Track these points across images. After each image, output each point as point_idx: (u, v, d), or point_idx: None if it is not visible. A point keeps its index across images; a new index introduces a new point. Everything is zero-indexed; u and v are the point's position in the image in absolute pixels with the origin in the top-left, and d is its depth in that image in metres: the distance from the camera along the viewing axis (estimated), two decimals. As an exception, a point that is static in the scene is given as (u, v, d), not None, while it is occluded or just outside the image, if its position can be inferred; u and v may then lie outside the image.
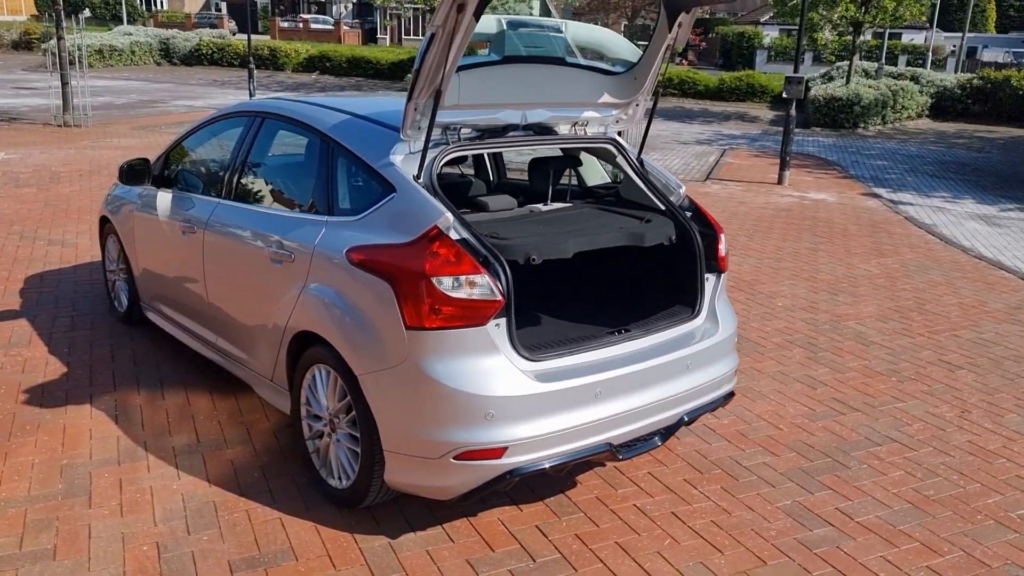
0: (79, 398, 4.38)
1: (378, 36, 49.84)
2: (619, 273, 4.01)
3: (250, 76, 19.49)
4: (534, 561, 3.15)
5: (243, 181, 4.09)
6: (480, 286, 2.98)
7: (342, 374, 3.25)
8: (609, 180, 4.37)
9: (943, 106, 23.39)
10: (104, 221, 5.57)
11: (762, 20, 45.13)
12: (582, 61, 3.77)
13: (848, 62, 22.27)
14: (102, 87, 23.37)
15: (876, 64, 25.44)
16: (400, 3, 24.11)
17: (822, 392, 4.83)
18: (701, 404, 3.57)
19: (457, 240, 3.03)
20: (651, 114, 3.96)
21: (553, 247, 3.29)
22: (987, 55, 43.99)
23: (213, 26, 47.64)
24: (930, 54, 36.34)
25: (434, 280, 2.94)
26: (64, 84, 15.16)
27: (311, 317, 3.37)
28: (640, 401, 3.29)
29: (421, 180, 3.21)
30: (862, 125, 20.77)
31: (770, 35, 43.05)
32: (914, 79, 23.82)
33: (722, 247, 3.73)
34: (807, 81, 24.80)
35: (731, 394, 3.76)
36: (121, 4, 49.34)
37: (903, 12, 20.22)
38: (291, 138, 4.16)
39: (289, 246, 3.52)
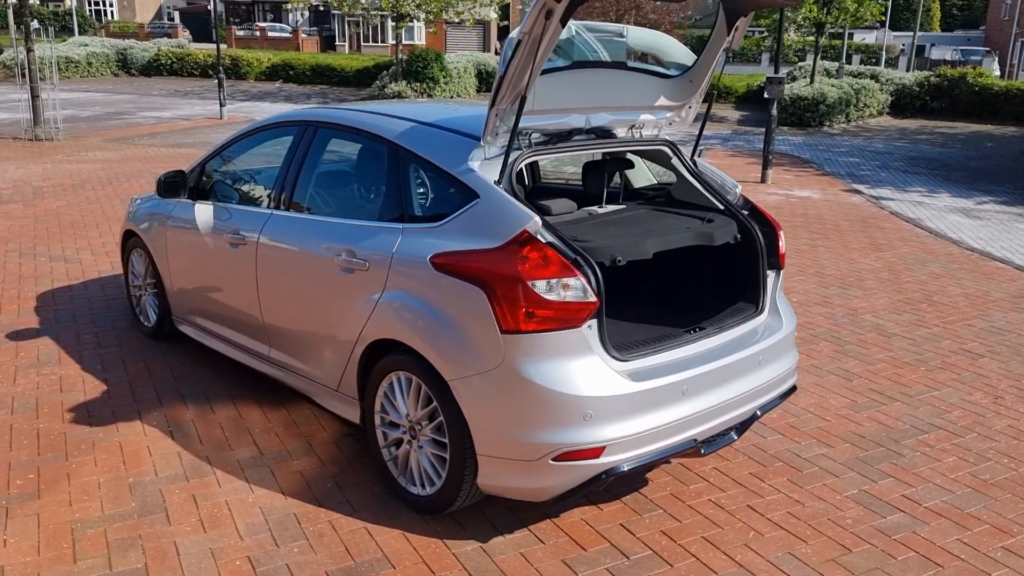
0: (127, 415, 4.31)
1: (337, 43, 49.51)
2: (683, 272, 4.07)
3: (220, 86, 19.23)
4: (628, 558, 3.19)
5: (300, 191, 4.06)
6: (574, 288, 3.01)
7: (428, 380, 3.26)
8: (655, 182, 4.44)
9: (902, 103, 23.99)
10: (128, 236, 5.48)
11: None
12: (642, 65, 3.83)
13: (812, 62, 22.74)
14: (64, 100, 22.82)
15: (836, 64, 26.00)
16: (367, 10, 23.90)
17: (858, 384, 4.95)
18: (771, 398, 3.65)
19: (547, 243, 3.06)
20: (705, 116, 4.03)
21: (635, 248, 3.34)
22: (935, 53, 45.24)
23: (167, 35, 46.92)
24: (884, 53, 37.23)
25: (530, 284, 2.97)
26: (34, 97, 14.81)
27: (391, 324, 3.37)
28: (721, 397, 3.36)
29: (503, 185, 3.24)
30: (827, 123, 21.21)
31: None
32: (874, 77, 24.40)
33: (782, 244, 3.81)
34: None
35: (794, 388, 3.85)
36: (72, 15, 48.28)
37: (863, 12, 20.72)
38: (342, 147, 4.16)
39: (363, 255, 3.51)
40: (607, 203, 4.06)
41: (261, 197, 4.36)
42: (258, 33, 47.42)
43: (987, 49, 44.09)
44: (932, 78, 23.92)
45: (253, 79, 31.34)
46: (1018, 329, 6.07)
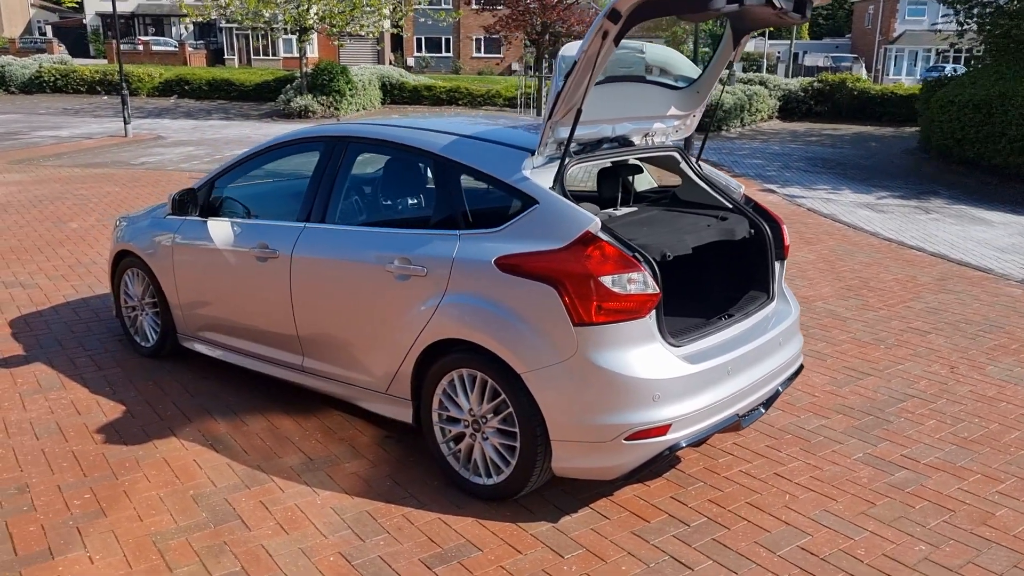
0: (159, 432, 4.34)
1: (225, 57, 48.31)
2: (700, 265, 4.43)
3: (124, 103, 18.60)
4: (688, 526, 3.52)
5: (335, 204, 4.21)
6: (639, 282, 3.32)
7: (495, 375, 3.49)
8: (655, 186, 4.80)
9: (789, 108, 25.51)
10: (121, 256, 5.43)
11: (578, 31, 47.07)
12: (657, 78, 4.18)
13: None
14: (-55, 120, 21.55)
15: (727, 72, 27.34)
16: (268, 23, 23.55)
17: (832, 363, 5.46)
18: (787, 376, 4.06)
19: (608, 242, 3.36)
20: (710, 123, 4.42)
21: (679, 244, 3.69)
22: (808, 60, 48.08)
23: (41, 50, 44.60)
24: (765, 60, 39.36)
25: (601, 279, 3.26)
26: (-70, 118, 13.99)
27: (456, 325, 3.58)
28: (754, 376, 3.74)
29: (557, 191, 3.52)
30: (725, 128, 22.37)
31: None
32: (763, 84, 25.84)
33: (787, 236, 4.24)
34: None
35: (802, 367, 4.27)
36: (-68, 30, 45.23)
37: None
38: (372, 160, 4.34)
39: (420, 261, 3.71)
40: (620, 206, 4.40)
41: (288, 211, 4.47)
42: (141, 48, 45.69)
43: (855, 55, 47.22)
44: (815, 84, 25.55)
45: (145, 95, 30.29)
46: (951, 308, 6.76)
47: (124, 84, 18.56)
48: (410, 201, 4.06)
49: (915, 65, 47.28)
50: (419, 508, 3.64)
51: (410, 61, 48.51)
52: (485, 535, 3.44)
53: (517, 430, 3.48)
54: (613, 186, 4.36)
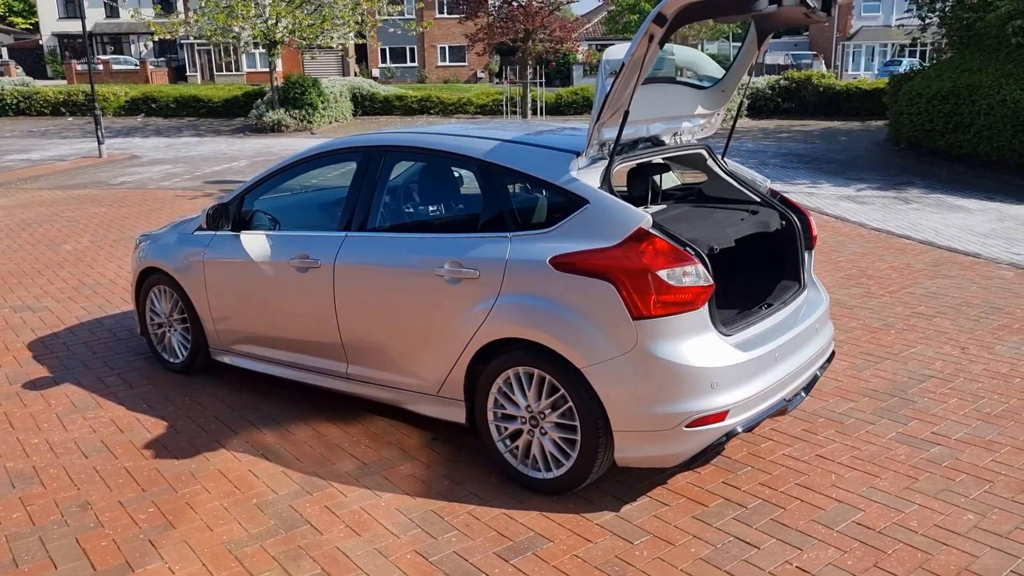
0: (207, 445, 4.38)
1: (188, 74, 47.89)
2: (734, 257, 4.57)
3: (97, 123, 18.41)
4: (745, 508, 3.65)
5: (376, 213, 4.29)
6: (693, 275, 3.45)
7: (554, 371, 3.60)
8: (679, 183, 4.94)
9: (758, 105, 25.96)
10: (146, 274, 5.45)
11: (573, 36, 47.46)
12: (686, 79, 4.32)
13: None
14: (-90, 147, 21.16)
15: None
16: (237, 38, 23.44)
17: (849, 348, 5.65)
18: (823, 362, 4.21)
19: (661, 237, 3.49)
20: (735, 121, 4.58)
21: (723, 237, 3.83)
22: (768, 58, 48.80)
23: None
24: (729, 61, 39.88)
25: (658, 273, 3.38)
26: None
27: (512, 324, 3.68)
28: (798, 361, 3.89)
29: (605, 190, 3.64)
30: (697, 127, 22.66)
31: (581, 50, 45.55)
32: (730, 83, 26.23)
33: (814, 227, 4.40)
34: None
35: (834, 353, 4.43)
36: None
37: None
38: (407, 169, 4.42)
39: (472, 264, 3.81)
40: (650, 204, 4.53)
41: (325, 222, 4.53)
42: (101, 67, 45.11)
43: (814, 53, 48.10)
44: (782, 81, 26.04)
45: (111, 114, 29.91)
46: (949, 292, 7.00)
47: (96, 104, 18.35)
48: (454, 206, 4.15)
49: (872, 60, 48.31)
50: (482, 505, 3.73)
51: (375, 72, 48.48)
52: (552, 527, 3.54)
53: (577, 423, 3.59)
54: (643, 184, 4.48)
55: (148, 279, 5.45)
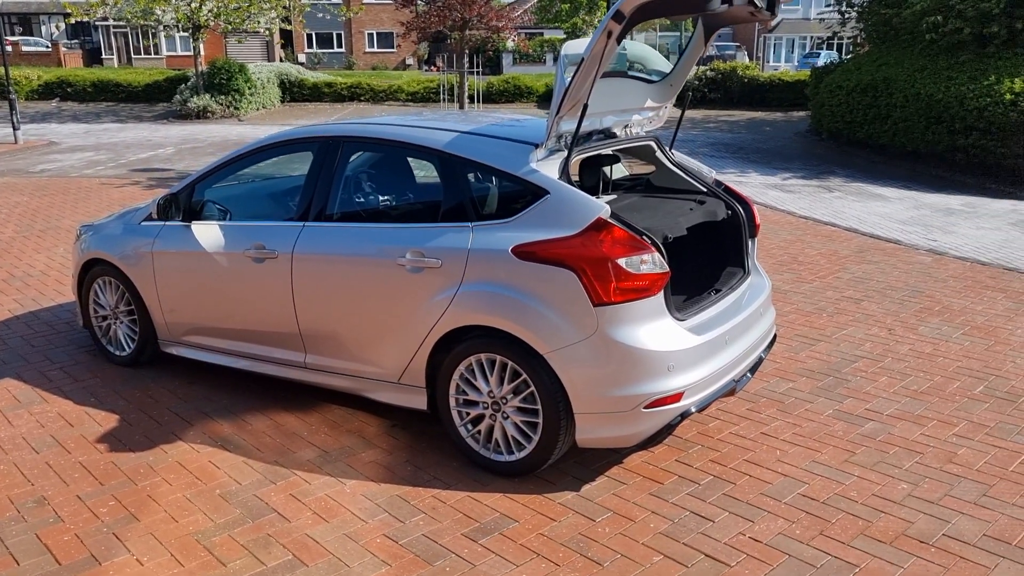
0: (163, 438, 4.34)
1: (104, 57, 46.13)
2: (682, 246, 4.74)
3: (12, 108, 17.65)
4: (698, 484, 3.84)
5: (334, 203, 4.31)
6: (650, 263, 3.60)
7: (515, 357, 3.71)
8: (627, 174, 5.10)
9: (682, 95, 26.42)
10: (90, 265, 5.33)
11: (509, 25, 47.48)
12: (637, 72, 4.47)
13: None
14: None
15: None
16: (159, 21, 22.71)
17: (785, 331, 5.92)
18: (766, 345, 4.43)
19: (620, 226, 3.62)
20: (682, 113, 4.75)
21: (675, 226, 3.99)
22: (694, 49, 49.73)
23: None
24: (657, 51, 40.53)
25: (618, 261, 3.52)
26: None
27: (475, 312, 3.77)
28: (745, 344, 4.09)
29: (564, 181, 3.76)
30: (627, 117, 23.03)
31: (510, 41, 45.58)
32: (659, 73, 26.72)
33: (757, 216, 4.61)
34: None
35: (776, 336, 4.66)
36: None
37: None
38: (369, 159, 4.45)
39: (434, 253, 3.88)
40: (600, 194, 4.67)
41: (282, 211, 4.53)
42: (10, 48, 43.02)
43: (737, 44, 49.24)
44: (708, 72, 26.62)
45: (23, 98, 28.60)
46: (875, 277, 7.38)
47: (11, 89, 17.59)
48: (414, 197, 4.20)
49: (792, 52, 49.77)
50: (446, 489, 3.82)
51: (301, 57, 47.57)
52: (516, 508, 3.66)
53: (539, 407, 3.71)
54: (594, 175, 4.61)
55: (92, 270, 5.34)
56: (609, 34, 3.50)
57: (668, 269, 3.64)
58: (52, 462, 4.10)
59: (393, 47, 48.40)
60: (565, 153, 3.90)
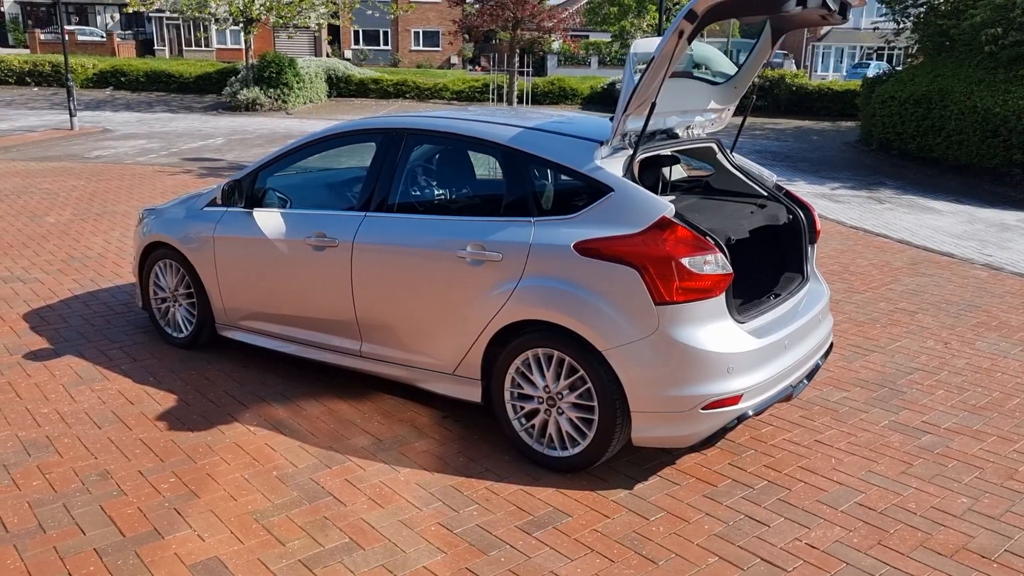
0: (220, 419, 4.42)
1: (156, 48, 46.99)
2: (739, 249, 4.72)
3: (69, 95, 18.08)
4: (753, 488, 3.81)
5: (396, 194, 4.36)
6: (714, 263, 3.59)
7: (573, 352, 3.71)
8: (685, 175, 5.08)
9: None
10: (151, 249, 5.44)
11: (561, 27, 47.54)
12: (702, 74, 4.45)
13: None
14: None
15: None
16: (213, 14, 23.12)
17: (837, 340, 5.85)
18: (823, 352, 4.39)
19: (684, 226, 3.62)
20: (744, 117, 4.72)
21: (737, 228, 3.97)
22: (741, 58, 49.35)
23: (-42, 40, 42.63)
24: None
25: (682, 261, 3.52)
26: None
27: (534, 307, 3.79)
28: (804, 350, 4.05)
29: (629, 179, 3.76)
30: (673, 122, 22.92)
31: (556, 42, 45.63)
32: (705, 79, 26.52)
33: (818, 222, 4.57)
34: (615, 83, 26.86)
35: (832, 344, 4.61)
36: None
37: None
38: (428, 152, 4.49)
39: (495, 247, 3.90)
40: (661, 194, 4.66)
41: (343, 201, 4.58)
42: (67, 37, 44.01)
43: (785, 52, 48.69)
44: (756, 79, 26.34)
45: (79, 86, 29.24)
46: (929, 289, 7.26)
47: (68, 76, 18.01)
48: (475, 190, 4.23)
49: (841, 62, 49.13)
50: (499, 481, 3.84)
51: (348, 53, 48.04)
52: (569, 503, 3.66)
53: (596, 404, 3.71)
54: (653, 175, 4.61)
55: (153, 253, 5.45)
56: (680, 33, 3.50)
57: (731, 271, 3.63)
58: (114, 437, 4.19)
59: (438, 46, 48.67)
60: (629, 151, 3.90)
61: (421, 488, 3.77)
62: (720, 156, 4.66)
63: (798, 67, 46.07)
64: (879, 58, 46.82)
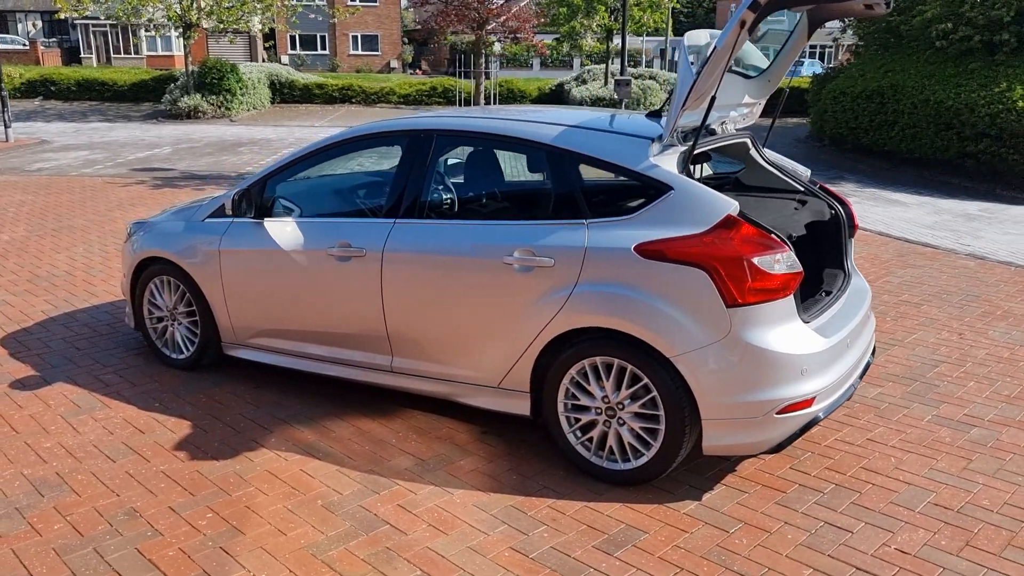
0: (244, 445, 4.12)
1: (82, 56, 45.31)
2: None
3: (3, 105, 17.18)
4: (823, 493, 3.69)
5: (428, 199, 4.12)
6: (785, 262, 3.45)
7: (636, 360, 3.54)
8: (711, 172, 4.96)
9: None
10: (144, 265, 5.08)
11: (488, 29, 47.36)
12: (737, 68, 4.32)
13: (605, 66, 24.53)
14: None
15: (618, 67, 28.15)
16: (151, 20, 22.30)
17: (854, 336, 5.80)
18: (872, 350, 4.30)
19: (751, 224, 3.47)
20: (777, 110, 4.62)
21: (795, 225, 3.85)
22: (678, 55, 50.04)
23: None
24: (644, 56, 40.64)
25: (753, 260, 3.37)
26: None
27: (592, 313, 3.59)
28: (861, 348, 3.96)
29: (686, 176, 3.60)
30: (624, 121, 22.97)
31: (497, 44, 45.44)
32: (653, 79, 26.71)
33: (856, 216, 4.48)
34: (563, 84, 26.88)
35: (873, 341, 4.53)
36: None
37: (647, 21, 22.73)
38: (460, 153, 4.26)
39: (547, 252, 3.70)
40: None
41: (365, 208, 4.33)
42: (-13, 46, 42.13)
43: (721, 51, 49.50)
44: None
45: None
46: (925, 281, 7.31)
47: (2, 85, 17.12)
48: (514, 193, 4.02)
49: (775, 60, 50.00)
50: (560, 498, 3.64)
51: (284, 59, 47.04)
52: (640, 518, 3.48)
53: (662, 413, 3.54)
54: (686, 172, 4.46)
55: (148, 270, 5.08)
56: (742, 24, 3.36)
57: (801, 269, 3.50)
58: (132, 471, 3.86)
59: (378, 50, 48.06)
60: (681, 148, 3.75)
61: (480, 510, 3.54)
62: (753, 151, 4.54)
63: (735, 66, 46.89)
64: (811, 57, 47.97)
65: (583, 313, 3.63)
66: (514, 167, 4.61)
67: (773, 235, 3.48)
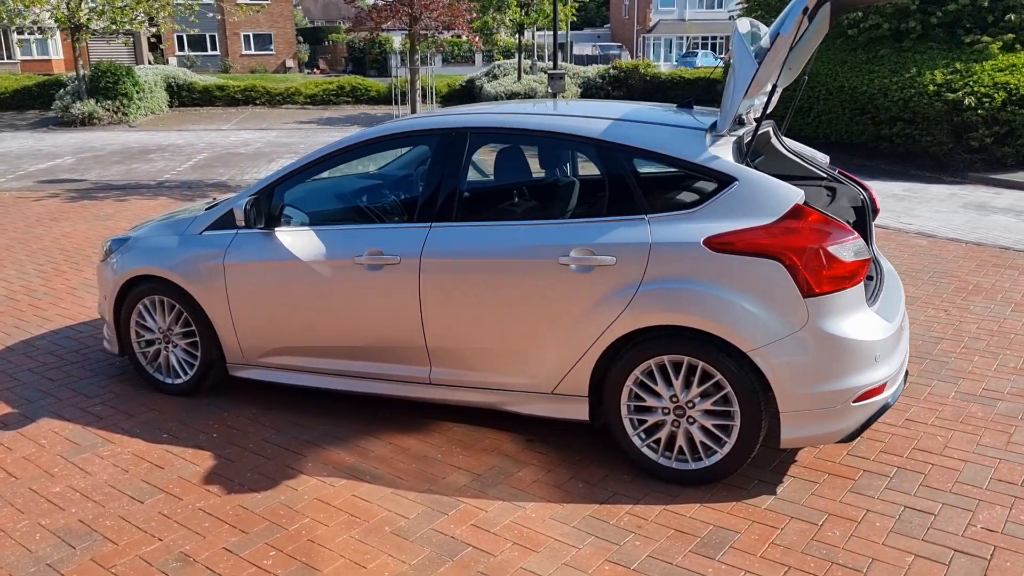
0: (280, 472, 3.83)
1: (-52, 62, 42.10)
2: None
3: None
4: (890, 477, 3.71)
5: (467, 200, 3.92)
6: (856, 249, 3.43)
7: (708, 357, 3.46)
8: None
9: (589, 94, 26.71)
10: (130, 285, 4.66)
11: (385, 27, 46.66)
12: (762, 56, 4.29)
13: (517, 60, 24.51)
14: None
15: (529, 62, 28.19)
16: (36, 22, 20.88)
17: (849, 318, 5.91)
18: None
19: (819, 212, 3.44)
20: (795, 99, 4.62)
21: (846, 212, 3.84)
22: (576, 49, 50.59)
23: None
24: (536, 51, 40.80)
25: (830, 248, 3.34)
26: None
27: (662, 311, 3.49)
28: (906, 333, 3.99)
29: (748, 167, 3.54)
30: (540, 116, 23.03)
31: (397, 40, 44.83)
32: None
33: (877, 199, 4.54)
34: (473, 80, 26.72)
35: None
36: None
37: (561, 15, 22.80)
38: (492, 150, 4.08)
39: (608, 250, 3.57)
40: None
41: (391, 213, 4.09)
42: None
43: (619, 44, 50.43)
44: (611, 70, 26.99)
45: None
46: (891, 260, 7.53)
47: None
48: (561, 190, 3.87)
49: (670, 52, 51.41)
50: (636, 503, 3.53)
51: (172, 61, 45.06)
52: (725, 518, 3.41)
53: (737, 409, 3.47)
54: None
55: (135, 290, 4.67)
56: (805, 10, 3.31)
57: (870, 255, 3.49)
58: (167, 511, 3.52)
59: (272, 50, 46.65)
60: (732, 138, 3.69)
61: (560, 523, 3.39)
62: (774, 140, 4.54)
63: (632, 58, 47.78)
64: (703, 47, 49.45)
65: (651, 311, 3.52)
66: (566, 164, 4.44)
67: (841, 223, 3.46)
